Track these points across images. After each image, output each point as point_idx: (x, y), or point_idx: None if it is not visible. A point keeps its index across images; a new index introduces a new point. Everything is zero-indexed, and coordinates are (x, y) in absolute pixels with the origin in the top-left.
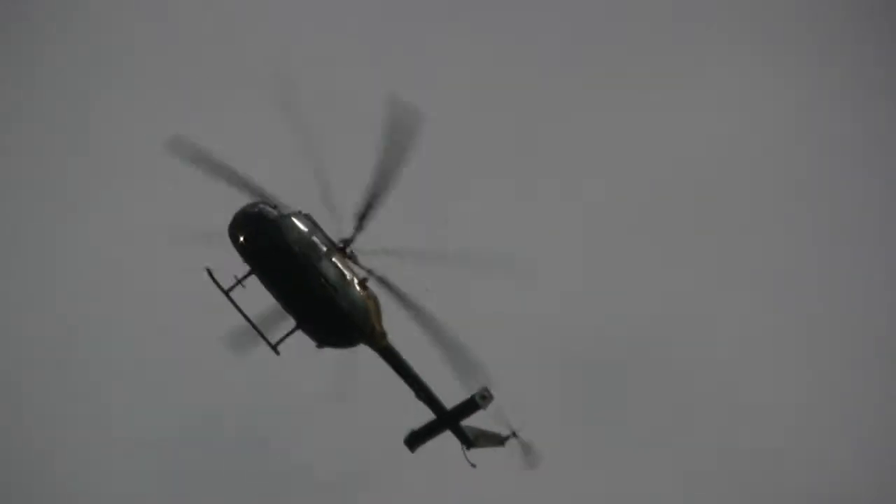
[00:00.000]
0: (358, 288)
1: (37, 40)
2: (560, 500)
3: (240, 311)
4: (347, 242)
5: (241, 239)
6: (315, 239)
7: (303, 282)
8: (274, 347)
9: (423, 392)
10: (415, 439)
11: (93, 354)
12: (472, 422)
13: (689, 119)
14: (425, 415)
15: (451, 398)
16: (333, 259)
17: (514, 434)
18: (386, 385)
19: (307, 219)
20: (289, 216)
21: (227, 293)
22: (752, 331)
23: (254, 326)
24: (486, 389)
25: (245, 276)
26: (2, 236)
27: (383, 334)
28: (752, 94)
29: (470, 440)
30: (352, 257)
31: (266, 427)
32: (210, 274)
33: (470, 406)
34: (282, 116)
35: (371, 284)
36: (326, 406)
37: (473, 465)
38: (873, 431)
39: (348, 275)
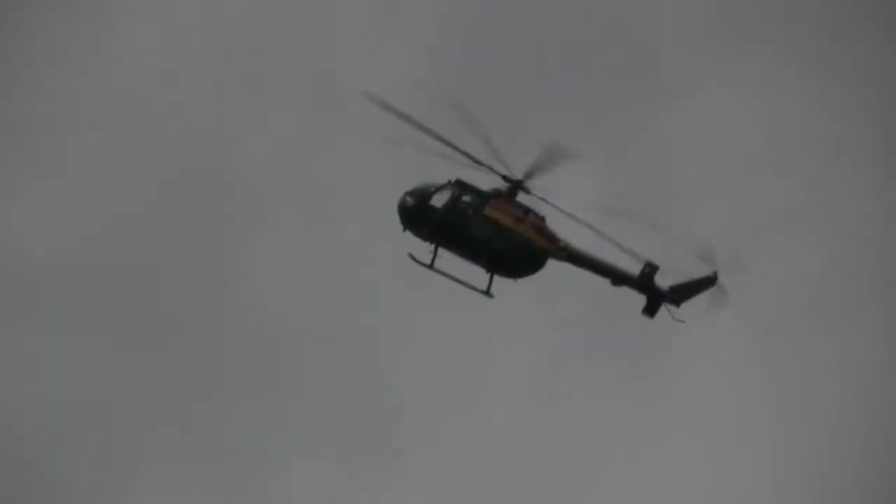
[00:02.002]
0: (515, 226)
1: None
2: None
3: (448, 276)
4: (507, 179)
5: (406, 229)
6: (461, 203)
7: (464, 243)
8: (486, 293)
9: (619, 279)
10: (647, 312)
11: None
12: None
13: None
14: None
15: None
16: (486, 211)
17: (716, 274)
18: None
19: (456, 185)
20: (430, 195)
21: (430, 267)
22: None
23: (465, 283)
24: (648, 263)
25: (435, 250)
26: None
27: (561, 249)
28: None
29: (674, 298)
30: (515, 191)
31: None
32: (412, 258)
33: (643, 279)
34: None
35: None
36: None
37: (682, 321)
38: None
39: (504, 218)
